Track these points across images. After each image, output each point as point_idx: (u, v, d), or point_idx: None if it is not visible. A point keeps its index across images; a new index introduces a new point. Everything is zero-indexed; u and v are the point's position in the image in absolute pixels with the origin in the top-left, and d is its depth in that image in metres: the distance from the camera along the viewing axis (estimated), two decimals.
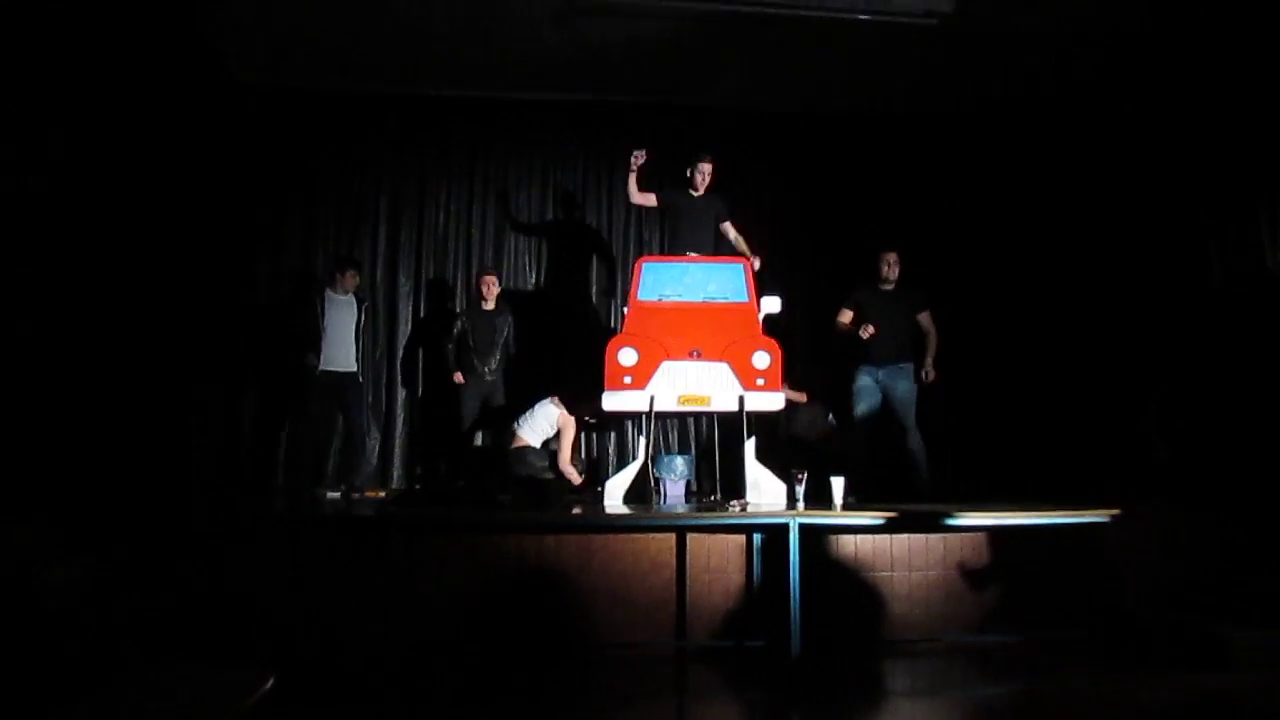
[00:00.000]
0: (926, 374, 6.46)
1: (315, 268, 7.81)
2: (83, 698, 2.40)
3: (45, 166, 4.97)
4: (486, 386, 7.18)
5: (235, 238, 7.70)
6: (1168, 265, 6.20)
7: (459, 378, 7.11)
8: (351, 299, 7.08)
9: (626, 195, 6.85)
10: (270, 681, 2.56)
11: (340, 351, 6.97)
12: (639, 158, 6.47)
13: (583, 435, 7.15)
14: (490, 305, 7.30)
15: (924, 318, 6.57)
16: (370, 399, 7.73)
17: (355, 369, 7.07)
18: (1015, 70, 7.15)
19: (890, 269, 6.54)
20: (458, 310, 7.76)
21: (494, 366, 7.18)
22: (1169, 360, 6.01)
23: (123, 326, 5.89)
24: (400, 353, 7.91)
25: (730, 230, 6.75)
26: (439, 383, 7.49)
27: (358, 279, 7.18)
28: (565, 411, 6.74)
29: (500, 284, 7.47)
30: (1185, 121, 6.06)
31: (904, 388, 6.41)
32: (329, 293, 7.02)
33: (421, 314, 8.04)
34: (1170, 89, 6.20)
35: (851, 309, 6.62)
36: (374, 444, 7.78)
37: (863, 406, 6.42)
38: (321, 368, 6.88)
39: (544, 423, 6.73)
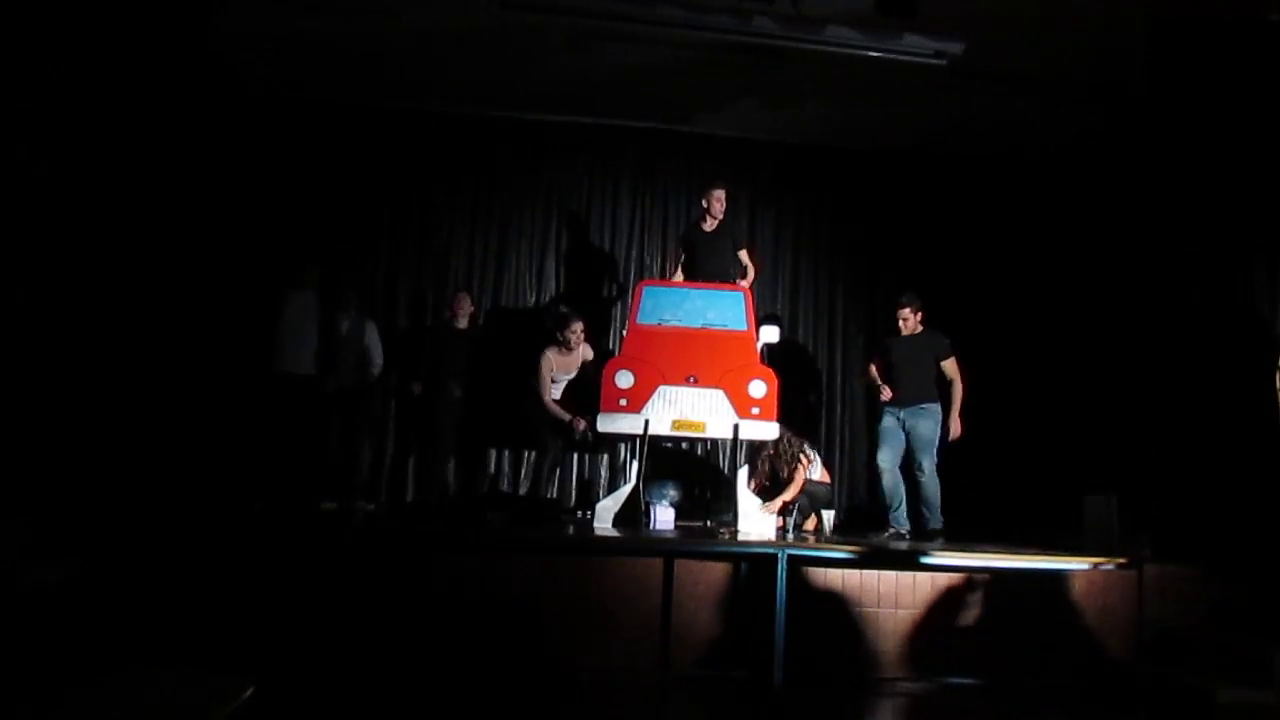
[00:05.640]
0: (949, 429, 6.33)
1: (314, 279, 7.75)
2: (63, 699, 2.38)
3: (39, 174, 4.99)
4: (459, 406, 7.07)
5: (235, 248, 7.70)
6: (1166, 311, 6.23)
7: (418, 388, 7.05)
8: (313, 299, 6.86)
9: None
10: (250, 689, 2.54)
11: (301, 353, 6.73)
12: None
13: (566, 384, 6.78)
14: (463, 324, 7.18)
15: (948, 365, 6.45)
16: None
17: (316, 371, 6.77)
18: (1022, 114, 7.22)
19: (905, 324, 6.52)
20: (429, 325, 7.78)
21: (461, 387, 7.05)
22: (1165, 412, 6.02)
23: (112, 330, 5.89)
24: (396, 366, 7.89)
25: (744, 256, 6.83)
26: (431, 398, 7.44)
27: (318, 276, 6.95)
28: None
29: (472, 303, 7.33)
30: (1189, 173, 6.10)
31: (926, 426, 6.32)
32: (290, 292, 6.82)
33: (419, 329, 8.03)
34: (1170, 137, 6.26)
35: (878, 358, 6.69)
36: (367, 456, 7.76)
37: (886, 450, 6.41)
38: (278, 369, 6.67)
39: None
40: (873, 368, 6.72)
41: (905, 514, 6.32)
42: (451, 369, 7.03)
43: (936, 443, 6.34)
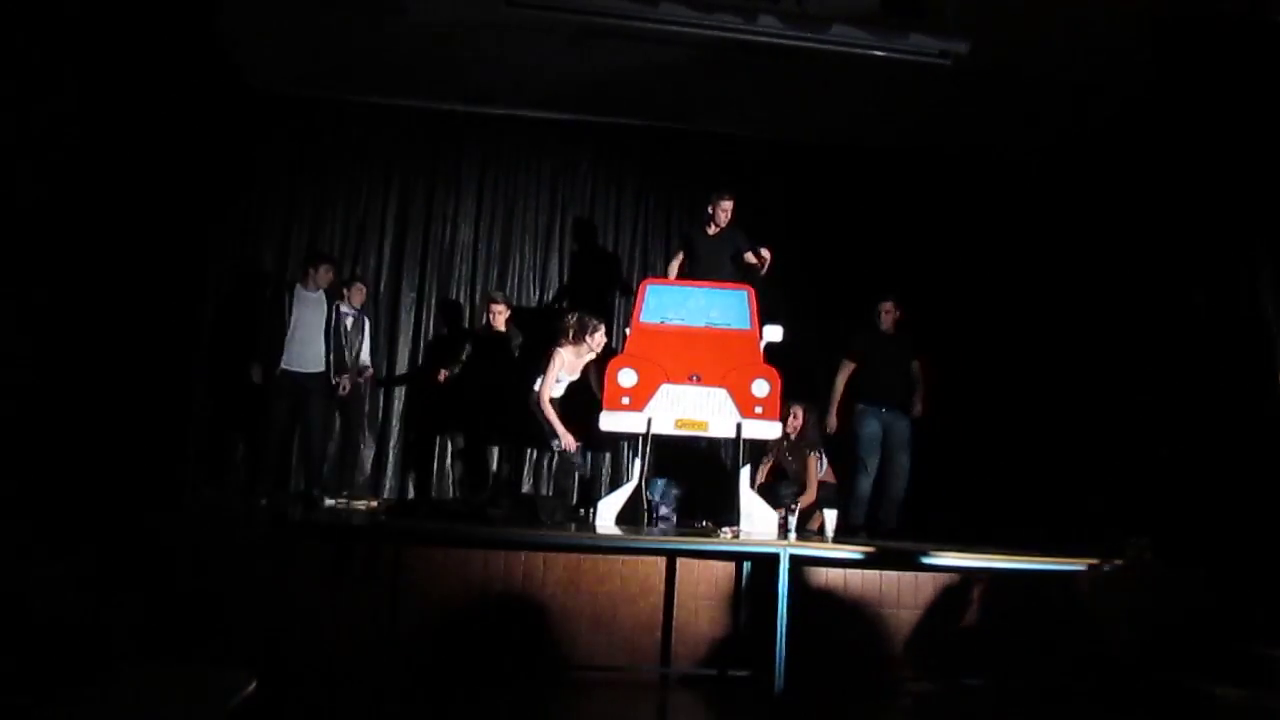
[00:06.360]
0: (916, 407, 6.65)
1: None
2: (66, 698, 2.39)
3: (45, 166, 4.97)
4: (481, 407, 7.15)
5: (237, 243, 7.71)
6: (1168, 311, 6.22)
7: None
8: (321, 297, 6.81)
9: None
10: (253, 685, 2.55)
11: (307, 351, 6.69)
12: None
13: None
14: (501, 327, 7.22)
15: (914, 365, 6.77)
16: (367, 408, 7.70)
17: (322, 369, 6.73)
18: (1026, 112, 7.21)
19: (886, 316, 6.75)
20: (469, 328, 7.80)
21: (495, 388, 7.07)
22: (1165, 415, 6.02)
23: (111, 328, 5.88)
24: (400, 364, 7.91)
25: (749, 257, 6.77)
26: (435, 395, 7.44)
27: (331, 275, 6.90)
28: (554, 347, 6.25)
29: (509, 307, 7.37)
30: (1193, 172, 6.09)
31: (903, 427, 6.59)
32: (298, 289, 6.78)
33: (423, 327, 8.04)
34: (1174, 137, 6.24)
35: (856, 357, 6.76)
36: (369, 453, 7.76)
37: (873, 457, 6.56)
38: (284, 367, 6.62)
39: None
40: (842, 375, 6.79)
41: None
42: (490, 371, 7.06)
43: (911, 445, 6.60)
